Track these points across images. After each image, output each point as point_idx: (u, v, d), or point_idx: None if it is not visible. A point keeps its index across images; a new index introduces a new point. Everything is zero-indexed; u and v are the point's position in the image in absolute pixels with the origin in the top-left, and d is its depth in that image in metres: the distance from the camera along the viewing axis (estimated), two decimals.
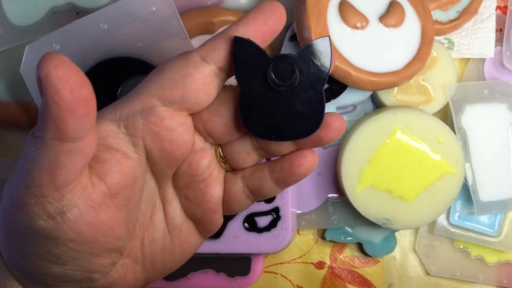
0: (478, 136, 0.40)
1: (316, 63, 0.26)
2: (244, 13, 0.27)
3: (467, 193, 0.41)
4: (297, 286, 0.43)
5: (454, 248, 0.42)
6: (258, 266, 0.42)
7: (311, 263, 0.43)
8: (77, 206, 0.24)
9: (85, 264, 0.25)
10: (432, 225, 0.42)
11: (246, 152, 0.29)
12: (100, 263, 0.26)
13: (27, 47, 0.34)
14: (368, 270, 0.43)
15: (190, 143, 0.27)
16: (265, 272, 0.43)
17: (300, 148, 0.28)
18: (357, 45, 0.37)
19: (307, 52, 0.26)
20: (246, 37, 0.25)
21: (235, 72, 0.25)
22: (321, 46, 0.25)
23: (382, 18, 0.37)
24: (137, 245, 0.28)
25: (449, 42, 0.42)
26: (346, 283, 0.43)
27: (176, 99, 0.25)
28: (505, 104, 0.40)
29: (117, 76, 0.36)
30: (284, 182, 0.29)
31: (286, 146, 0.28)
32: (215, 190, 0.29)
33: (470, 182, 0.40)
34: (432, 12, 0.40)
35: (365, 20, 0.37)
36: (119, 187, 0.25)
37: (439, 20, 0.41)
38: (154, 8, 0.34)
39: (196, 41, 0.37)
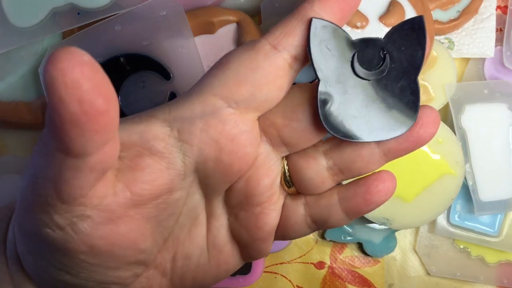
0: (478, 136, 0.40)
1: (410, 47, 0.22)
2: None
3: (467, 193, 0.41)
4: (297, 286, 0.43)
5: (455, 248, 0.42)
6: (258, 265, 0.42)
7: (311, 263, 0.43)
8: (90, 217, 0.20)
9: (100, 277, 0.22)
10: (432, 225, 0.42)
11: (320, 178, 0.24)
12: (119, 275, 0.23)
13: (49, 48, 0.35)
14: (368, 270, 0.43)
15: (253, 156, 0.23)
16: (265, 272, 0.43)
17: (374, 175, 0.24)
18: None
19: (398, 34, 0.22)
20: (323, 18, 0.22)
21: (312, 62, 0.22)
22: (414, 26, 0.22)
23: (382, 18, 0.37)
24: (168, 258, 0.25)
25: (449, 42, 0.42)
26: (346, 283, 0.43)
27: (243, 98, 0.21)
28: (505, 104, 0.40)
29: (122, 73, 0.37)
30: (356, 212, 0.25)
31: (375, 160, 0.24)
32: (271, 218, 0.24)
33: (470, 182, 0.40)
34: (432, 12, 0.40)
35: (365, 19, 0.37)
36: (149, 198, 0.22)
37: (439, 20, 0.41)
38: (165, 13, 0.36)
39: (196, 41, 0.37)
